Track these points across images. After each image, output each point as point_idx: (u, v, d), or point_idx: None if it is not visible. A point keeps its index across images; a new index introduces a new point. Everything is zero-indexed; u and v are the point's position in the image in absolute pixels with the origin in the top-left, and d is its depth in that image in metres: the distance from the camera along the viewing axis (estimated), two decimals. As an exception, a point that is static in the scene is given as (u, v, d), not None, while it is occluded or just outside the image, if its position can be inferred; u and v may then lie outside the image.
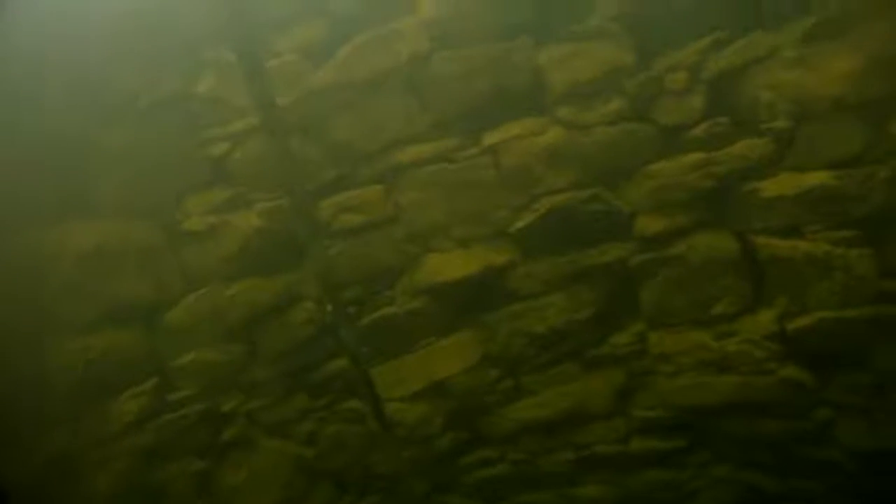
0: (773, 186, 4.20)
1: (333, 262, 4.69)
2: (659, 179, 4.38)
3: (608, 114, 4.39)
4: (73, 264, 4.25)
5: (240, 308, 4.61)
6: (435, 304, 4.74)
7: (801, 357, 4.38)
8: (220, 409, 4.62)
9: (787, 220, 4.22)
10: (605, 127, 4.42)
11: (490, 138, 4.54)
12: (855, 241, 4.14)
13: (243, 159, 4.57)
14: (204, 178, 4.56)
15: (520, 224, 4.55)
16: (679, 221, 4.42)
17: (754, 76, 4.12)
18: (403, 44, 4.41)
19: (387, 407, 4.77)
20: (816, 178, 4.12)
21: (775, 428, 4.52)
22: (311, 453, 4.80)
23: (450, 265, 4.65)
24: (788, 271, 4.27)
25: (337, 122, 4.61)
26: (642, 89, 4.32)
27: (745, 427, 4.58)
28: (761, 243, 4.31)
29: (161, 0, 4.26)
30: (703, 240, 4.42)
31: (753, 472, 4.68)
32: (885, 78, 3.80)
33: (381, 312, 4.75)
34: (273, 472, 4.72)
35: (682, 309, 4.54)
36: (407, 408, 4.82)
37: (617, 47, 4.27)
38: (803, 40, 3.95)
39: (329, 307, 4.67)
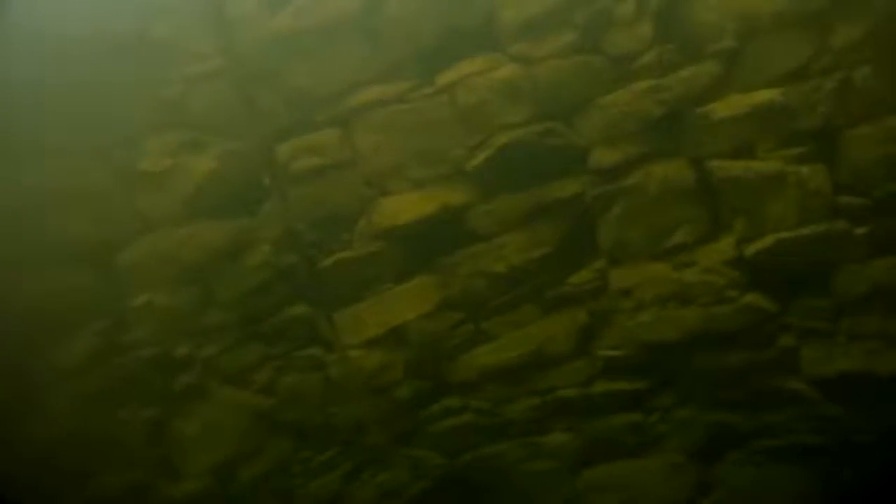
0: (723, 108, 4.27)
1: (290, 207, 4.65)
2: (612, 110, 4.45)
3: (560, 47, 4.47)
4: (23, 203, 4.19)
5: (194, 251, 4.59)
6: (393, 247, 4.74)
7: (762, 282, 4.40)
8: (173, 355, 4.52)
9: (738, 140, 4.29)
10: (557, 60, 4.49)
11: (444, 78, 4.61)
12: (807, 157, 4.21)
13: (200, 103, 4.61)
14: (160, 120, 4.58)
15: (476, 162, 4.59)
16: (633, 151, 4.48)
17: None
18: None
19: (344, 353, 4.66)
20: (765, 96, 4.20)
21: (740, 360, 4.50)
22: (268, 403, 4.70)
23: (407, 207, 4.68)
24: (744, 193, 4.33)
25: (293, 68, 4.68)
26: (592, 21, 4.40)
27: (710, 362, 4.55)
28: (715, 167, 4.36)
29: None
30: (658, 169, 4.47)
31: (721, 411, 4.64)
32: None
33: (338, 257, 4.71)
34: (228, 422, 4.63)
35: (640, 241, 4.57)
36: (365, 355, 4.76)
37: (566, -20, 4.34)
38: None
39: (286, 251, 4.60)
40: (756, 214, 4.34)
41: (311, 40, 4.64)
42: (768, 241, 4.33)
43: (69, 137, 4.43)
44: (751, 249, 4.37)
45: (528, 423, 4.90)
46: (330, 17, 4.62)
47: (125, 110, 4.51)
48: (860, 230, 4.18)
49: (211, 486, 4.62)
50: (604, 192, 4.56)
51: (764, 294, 4.42)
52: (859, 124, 4.06)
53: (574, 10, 4.47)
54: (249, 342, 4.72)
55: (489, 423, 4.91)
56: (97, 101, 4.46)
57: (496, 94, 4.55)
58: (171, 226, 4.61)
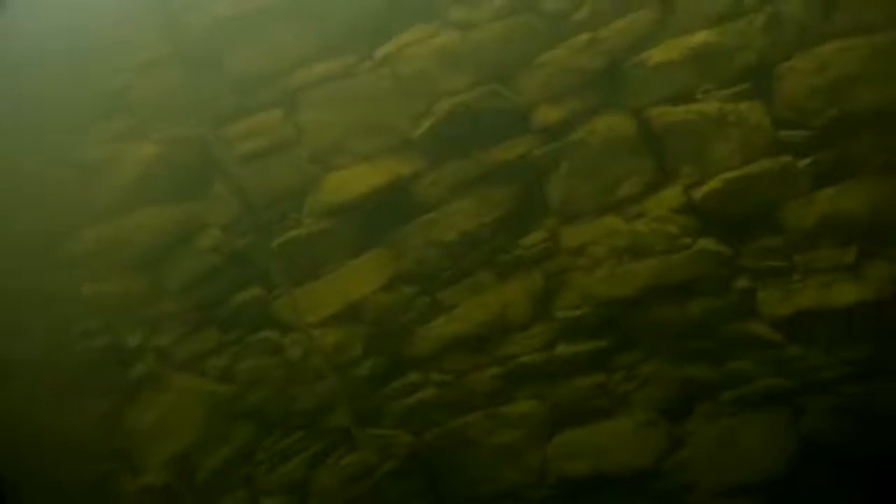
0: (660, 54, 4.36)
1: (238, 189, 4.65)
2: (552, 67, 4.52)
3: (496, 9, 4.56)
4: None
5: (143, 238, 4.55)
6: (343, 223, 4.75)
7: (713, 226, 4.45)
8: (125, 344, 4.46)
9: (677, 85, 4.38)
10: (494, 23, 4.55)
11: (384, 50, 4.64)
12: (745, 94, 4.30)
13: (146, 89, 4.60)
14: (106, 108, 4.58)
15: (421, 131, 4.63)
16: (576, 107, 4.55)
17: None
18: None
19: (300, 334, 4.63)
20: (699, 38, 4.29)
21: (700, 308, 4.53)
22: (227, 390, 4.64)
23: (354, 181, 4.70)
24: (687, 138, 4.39)
25: (236, 51, 4.70)
26: (526, -20, 4.45)
27: (670, 313, 4.57)
28: (656, 114, 4.43)
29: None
30: (601, 122, 4.53)
31: (687, 364, 4.62)
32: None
33: (289, 235, 4.69)
34: (187, 411, 4.56)
35: (589, 197, 4.61)
36: (322, 334, 4.72)
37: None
38: None
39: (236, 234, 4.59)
40: (701, 158, 4.39)
41: (252, 23, 4.67)
42: (715, 183, 4.32)
43: (14, 129, 4.39)
44: (699, 194, 4.39)
45: (492, 394, 4.85)
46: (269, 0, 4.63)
47: (71, 100, 4.48)
48: (803, 162, 4.23)
49: (172, 477, 4.51)
50: (549, 150, 4.60)
51: (716, 238, 4.44)
52: (792, 56, 4.09)
53: (508, -29, 4.48)
54: (204, 328, 4.68)
55: (453, 397, 4.88)
56: (43, 91, 4.42)
57: (436, 62, 4.61)
58: (119, 213, 4.55)
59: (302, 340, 4.70)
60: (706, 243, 4.46)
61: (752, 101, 4.30)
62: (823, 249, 4.30)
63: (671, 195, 4.49)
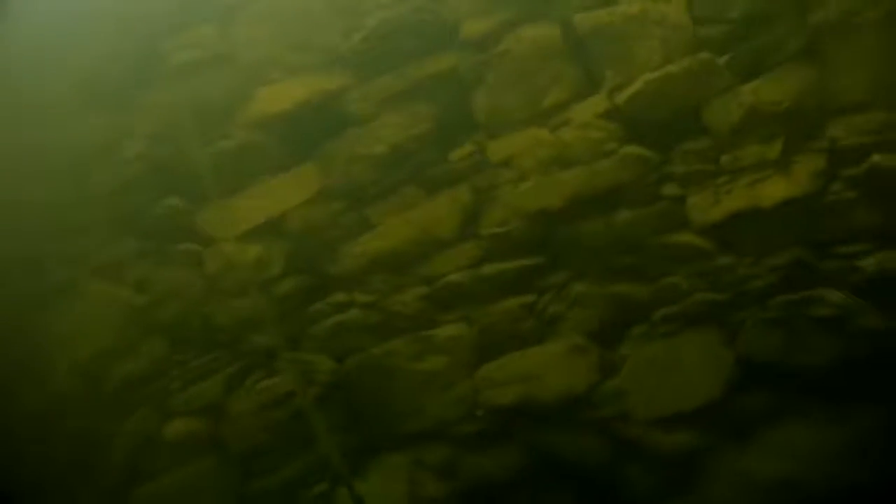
0: (584, -42, 4.39)
1: (168, 100, 4.75)
2: (478, -20, 4.56)
3: (425, -73, 4.65)
4: None
5: (67, 145, 4.62)
6: (272, 136, 4.83)
7: (638, 130, 4.43)
8: (42, 253, 4.48)
9: (600, -10, 4.37)
10: (424, -61, 4.65)
11: (314, -32, 4.77)
12: (665, -7, 4.27)
13: None
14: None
15: (350, 45, 4.70)
16: (502, 18, 4.59)
17: None
18: None
19: (221, 247, 4.62)
20: (621, -60, 4.32)
21: (629, 219, 4.44)
22: (143, 301, 4.61)
23: (284, 95, 4.79)
24: (610, 42, 4.43)
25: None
26: None
27: (598, 227, 4.49)
28: (580, 20, 4.45)
29: None
30: (527, 32, 4.57)
31: (618, 282, 4.50)
32: None
33: (217, 147, 4.76)
34: (100, 319, 4.53)
35: (515, 108, 4.63)
36: (243, 249, 4.70)
37: None
38: None
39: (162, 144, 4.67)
40: (624, 61, 4.40)
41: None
42: (638, 84, 4.33)
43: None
44: (622, 97, 4.36)
45: (418, 316, 4.74)
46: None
47: None
48: (723, 58, 4.19)
49: (81, 385, 4.43)
50: (476, 63, 4.62)
51: (642, 144, 4.39)
52: (709, -49, 4.15)
53: None
54: (123, 237, 4.66)
55: (377, 319, 4.76)
56: None
57: (367, -22, 4.69)
58: (45, 119, 4.64)
59: (223, 254, 4.64)
60: (632, 149, 4.43)
61: (672, -1, 4.26)
62: (749, 146, 4.20)
63: (596, 101, 4.49)
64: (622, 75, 4.41)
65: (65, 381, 4.56)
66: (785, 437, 4.25)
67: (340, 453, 4.57)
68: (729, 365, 4.35)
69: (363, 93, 4.78)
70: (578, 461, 4.57)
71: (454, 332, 4.74)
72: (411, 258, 4.77)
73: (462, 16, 4.68)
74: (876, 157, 3.93)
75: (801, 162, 4.14)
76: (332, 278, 4.82)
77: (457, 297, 4.73)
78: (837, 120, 4.04)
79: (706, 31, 4.25)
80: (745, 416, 4.31)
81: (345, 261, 4.81)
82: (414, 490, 4.68)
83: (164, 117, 4.78)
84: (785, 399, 4.25)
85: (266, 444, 4.78)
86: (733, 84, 4.23)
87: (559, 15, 4.55)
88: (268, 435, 4.79)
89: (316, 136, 4.81)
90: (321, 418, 4.64)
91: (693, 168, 4.34)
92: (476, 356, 4.74)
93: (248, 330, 4.75)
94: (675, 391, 4.45)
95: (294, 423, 4.74)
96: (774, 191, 4.17)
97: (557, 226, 4.57)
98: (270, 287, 4.76)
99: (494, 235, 4.67)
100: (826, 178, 4.09)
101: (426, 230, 4.73)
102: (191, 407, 4.74)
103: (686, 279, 4.41)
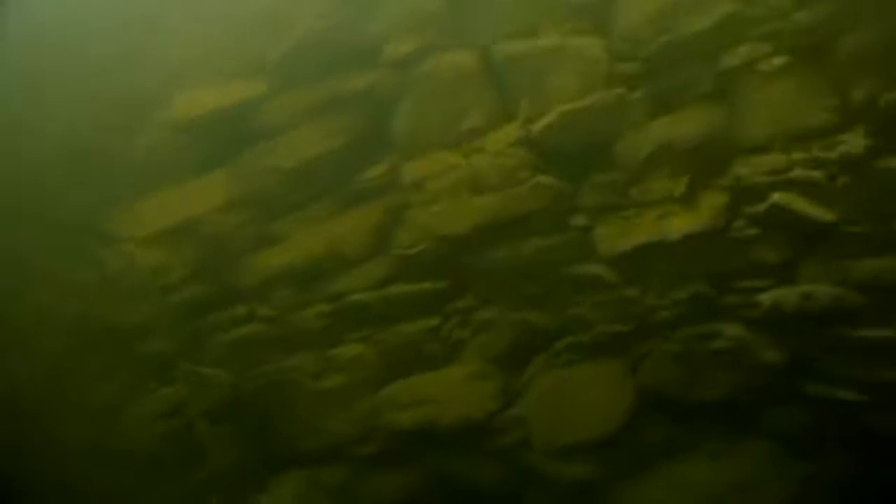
0: (502, -10, 4.51)
1: (82, 95, 4.68)
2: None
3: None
4: None
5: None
6: (186, 140, 4.74)
7: (550, 160, 4.51)
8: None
9: (522, 22, 4.50)
10: (355, -47, 4.72)
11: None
12: (584, 29, 4.42)
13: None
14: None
15: (273, 55, 4.70)
16: (425, 40, 4.66)
17: None
18: None
19: (124, 248, 4.53)
20: (537, -25, 4.46)
21: (537, 247, 4.48)
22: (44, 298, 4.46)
23: (202, 100, 4.77)
24: (526, 72, 4.52)
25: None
26: None
27: (507, 253, 4.52)
28: (500, 49, 4.54)
29: None
30: (447, 57, 4.65)
31: (524, 309, 4.53)
32: None
33: (129, 144, 4.70)
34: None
35: (432, 131, 4.68)
36: (146, 252, 4.60)
37: None
38: None
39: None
40: (539, 91, 4.48)
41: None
42: (552, 115, 4.42)
43: None
44: (537, 127, 4.45)
45: (321, 334, 4.69)
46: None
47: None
48: (636, 94, 4.32)
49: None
50: (396, 82, 4.66)
51: (553, 174, 4.48)
52: (628, -12, 4.31)
53: None
54: (21, 228, 4.51)
55: (278, 335, 4.69)
56: None
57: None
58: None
59: (125, 255, 4.53)
60: (543, 178, 4.49)
61: (590, 34, 4.40)
62: (657, 181, 4.31)
63: (510, 130, 4.56)
64: (537, 106, 4.50)
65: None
66: (682, 470, 4.28)
67: (235, 469, 4.43)
68: (630, 396, 4.38)
69: (280, 103, 4.79)
70: (478, 488, 4.56)
71: (357, 351, 4.72)
72: (317, 274, 4.74)
73: (386, 36, 4.73)
74: (775, 196, 4.03)
75: (706, 198, 4.24)
76: (235, 290, 4.77)
77: (361, 317, 4.70)
78: (741, 159, 4.15)
79: (621, 68, 4.36)
80: (644, 447, 4.34)
81: (248, 273, 4.76)
82: (310, 509, 4.58)
83: (83, 111, 4.64)
84: (683, 432, 4.27)
85: (160, 454, 4.60)
86: (644, 120, 4.31)
87: (479, 43, 4.61)
88: (162, 445, 4.62)
89: (230, 144, 4.79)
90: (216, 433, 4.50)
91: (602, 200, 4.42)
92: (378, 377, 4.68)
93: (144, 335, 4.59)
94: (577, 421, 4.48)
95: (188, 434, 4.56)
96: (680, 225, 4.27)
97: (466, 251, 4.59)
98: (169, 293, 4.61)
99: (403, 257, 4.68)
100: (729, 215, 4.17)
101: (334, 247, 4.71)
102: (82, 412, 4.54)
103: (591, 309, 4.46)
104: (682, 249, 4.29)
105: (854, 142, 3.80)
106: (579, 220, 4.49)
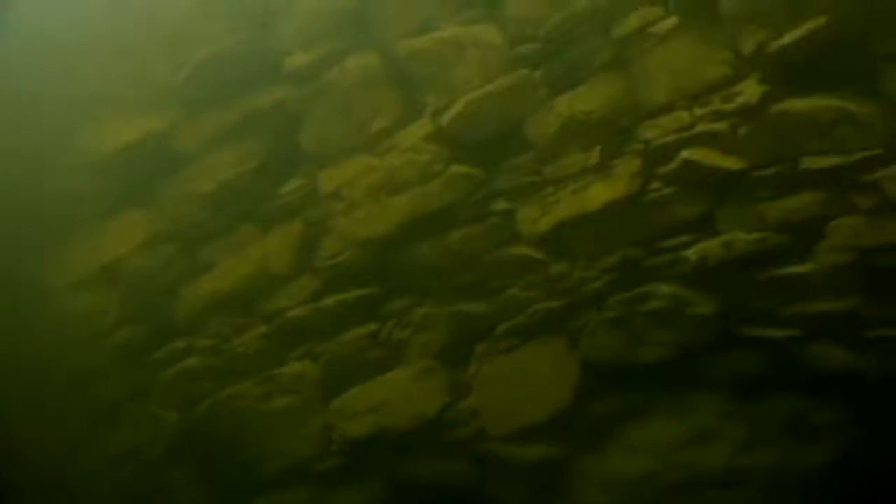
0: (395, -11, 4.55)
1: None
2: (305, 10, 4.71)
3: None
4: None
5: None
6: (98, 179, 4.67)
7: (463, 148, 4.57)
8: None
9: (419, 18, 4.54)
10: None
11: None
12: (479, 18, 4.47)
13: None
14: None
15: (179, 80, 4.67)
16: (325, 49, 4.70)
17: None
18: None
19: (52, 298, 4.45)
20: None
21: (462, 238, 4.54)
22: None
23: (109, 134, 4.72)
24: (429, 66, 4.56)
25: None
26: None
27: (433, 248, 4.54)
28: (399, 47, 4.58)
29: None
30: (350, 62, 4.68)
31: (458, 302, 4.56)
32: None
33: (40, 192, 4.59)
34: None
35: (342, 138, 4.70)
36: (75, 299, 4.52)
37: None
38: None
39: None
40: (443, 83, 4.53)
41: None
42: (459, 105, 4.47)
43: None
44: (446, 119, 4.50)
45: (262, 356, 4.66)
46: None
47: None
48: (538, 73, 4.39)
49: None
50: (302, 94, 4.69)
51: (468, 162, 4.53)
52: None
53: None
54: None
55: (220, 363, 4.67)
56: None
57: (193, 10, 4.73)
58: None
59: (55, 303, 4.45)
60: (458, 168, 4.54)
61: (486, 21, 4.47)
62: (570, 156, 4.38)
63: (420, 125, 4.61)
64: (443, 98, 4.55)
65: None
66: (639, 433, 4.34)
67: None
68: (576, 370, 4.43)
69: (192, 130, 4.81)
70: (442, 485, 4.56)
71: (300, 368, 4.74)
72: (250, 297, 4.74)
73: (287, 48, 4.73)
74: (685, 153, 4.13)
75: (620, 165, 4.32)
76: (170, 325, 4.72)
77: (299, 333, 4.72)
78: (648, 122, 4.24)
79: (520, 50, 4.44)
80: (599, 417, 4.39)
81: (182, 306, 4.74)
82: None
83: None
84: (633, 396, 4.34)
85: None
86: (549, 98, 4.39)
87: (379, 44, 4.64)
88: (118, 495, 4.55)
89: (144, 178, 4.79)
90: (176, 475, 4.45)
91: (519, 182, 4.49)
92: (325, 391, 4.70)
93: (87, 382, 4.52)
94: (527, 403, 4.52)
95: (144, 479, 4.50)
96: (598, 195, 4.35)
97: (393, 251, 4.63)
98: (107, 337, 4.55)
99: (331, 266, 4.71)
100: (644, 178, 4.26)
101: (263, 267, 4.72)
102: (36, 468, 4.45)
103: (523, 291, 4.52)
104: (603, 218, 4.35)
105: (750, 91, 3.90)
106: (500, 205, 4.54)
